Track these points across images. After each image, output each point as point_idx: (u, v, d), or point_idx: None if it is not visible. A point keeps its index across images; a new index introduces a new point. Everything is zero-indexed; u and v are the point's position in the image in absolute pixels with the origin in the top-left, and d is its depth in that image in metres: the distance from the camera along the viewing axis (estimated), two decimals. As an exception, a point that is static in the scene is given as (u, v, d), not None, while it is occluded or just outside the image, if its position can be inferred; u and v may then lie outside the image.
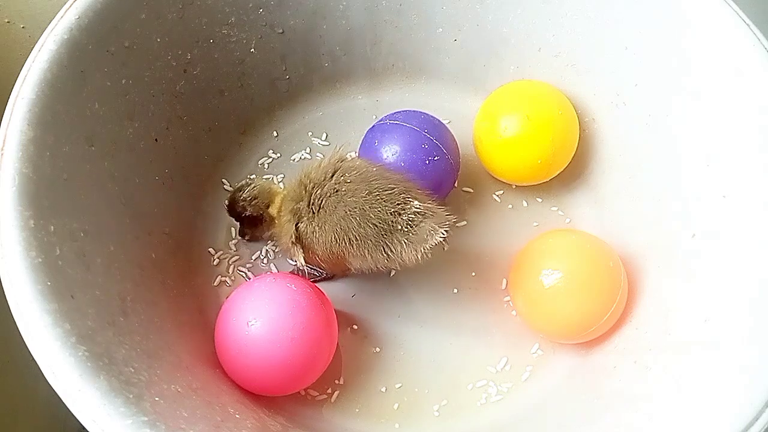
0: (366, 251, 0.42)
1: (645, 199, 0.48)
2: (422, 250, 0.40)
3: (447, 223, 0.40)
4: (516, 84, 0.53)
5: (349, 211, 0.41)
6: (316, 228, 0.42)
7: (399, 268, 0.45)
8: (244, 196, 0.45)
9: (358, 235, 0.41)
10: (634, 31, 0.47)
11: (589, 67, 0.51)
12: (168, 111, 0.48)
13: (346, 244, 0.41)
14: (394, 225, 0.40)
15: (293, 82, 0.55)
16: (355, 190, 0.41)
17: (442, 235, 0.40)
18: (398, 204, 0.41)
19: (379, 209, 0.40)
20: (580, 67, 0.52)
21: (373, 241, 0.41)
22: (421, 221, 0.40)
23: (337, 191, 0.41)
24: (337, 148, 0.44)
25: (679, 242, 0.44)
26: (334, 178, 0.42)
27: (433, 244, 0.40)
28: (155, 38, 0.46)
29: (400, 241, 0.41)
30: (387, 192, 0.41)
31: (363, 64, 0.56)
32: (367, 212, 0.41)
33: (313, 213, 0.42)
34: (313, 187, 0.42)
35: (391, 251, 0.41)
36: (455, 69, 0.56)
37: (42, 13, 0.52)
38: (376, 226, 0.41)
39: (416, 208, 0.40)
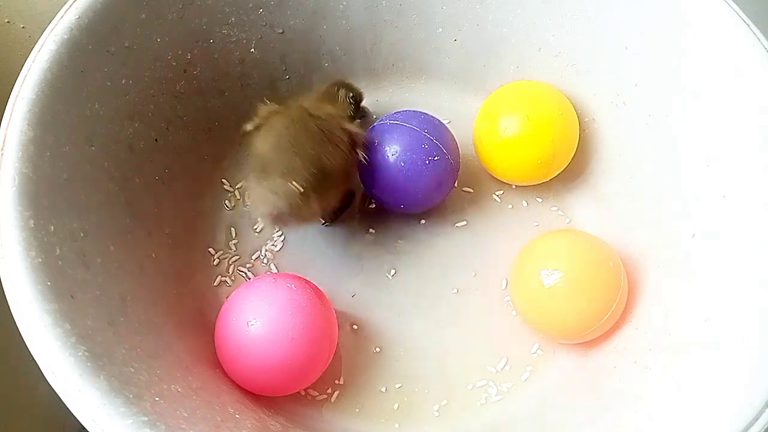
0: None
1: (645, 199, 0.48)
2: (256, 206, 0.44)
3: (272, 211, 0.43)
4: (516, 84, 0.53)
5: (288, 130, 0.44)
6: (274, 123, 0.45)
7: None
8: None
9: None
10: (634, 31, 0.47)
11: (589, 67, 0.51)
12: (168, 111, 0.48)
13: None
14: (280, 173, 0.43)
15: (293, 82, 0.55)
16: (305, 131, 0.44)
17: (269, 210, 0.43)
18: (295, 168, 0.43)
19: (294, 151, 0.43)
20: (580, 67, 0.52)
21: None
22: (276, 189, 0.43)
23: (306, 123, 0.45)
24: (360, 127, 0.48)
25: (679, 242, 0.44)
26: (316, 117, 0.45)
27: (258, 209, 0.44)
28: (155, 38, 0.46)
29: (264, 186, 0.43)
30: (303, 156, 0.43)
31: (363, 64, 0.56)
32: (290, 147, 0.43)
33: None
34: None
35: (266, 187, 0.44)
36: (455, 69, 0.56)
37: (42, 13, 0.52)
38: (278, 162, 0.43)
39: (296, 187, 0.42)
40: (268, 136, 0.45)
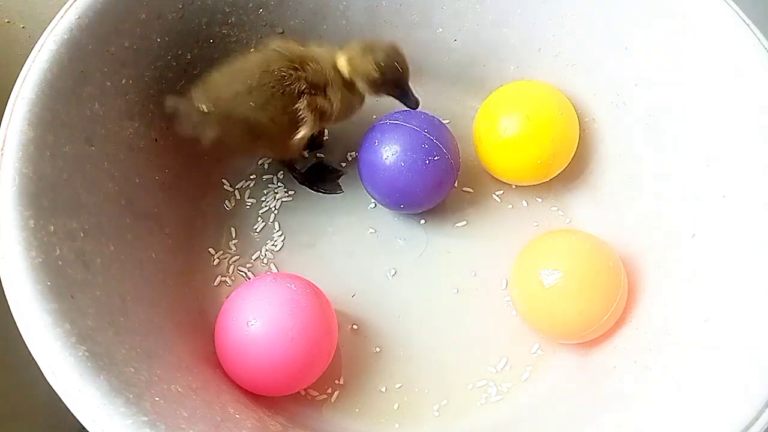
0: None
1: (645, 199, 0.48)
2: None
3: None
4: (516, 84, 0.53)
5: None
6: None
7: None
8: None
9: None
10: (634, 31, 0.47)
11: (589, 67, 0.51)
12: (168, 111, 0.48)
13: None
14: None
15: (293, 82, 0.55)
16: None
17: (176, 105, 0.44)
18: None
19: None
20: (580, 67, 0.52)
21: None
22: (196, 96, 0.44)
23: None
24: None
25: (679, 242, 0.44)
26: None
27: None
28: (155, 38, 0.46)
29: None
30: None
31: (363, 64, 0.56)
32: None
33: None
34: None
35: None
36: (455, 69, 0.56)
37: (42, 13, 0.52)
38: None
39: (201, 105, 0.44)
40: (238, 61, 0.45)
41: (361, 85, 0.47)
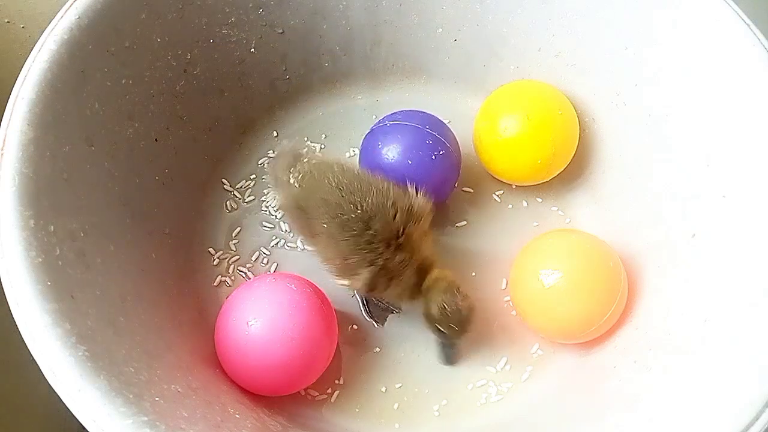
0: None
1: (645, 199, 0.48)
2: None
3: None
4: (516, 84, 0.53)
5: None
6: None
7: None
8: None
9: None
10: (634, 31, 0.47)
11: (589, 67, 0.51)
12: (168, 111, 0.48)
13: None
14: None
15: (293, 82, 0.55)
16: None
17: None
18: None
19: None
20: (580, 67, 0.52)
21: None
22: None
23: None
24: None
25: (679, 242, 0.44)
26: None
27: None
28: (155, 38, 0.46)
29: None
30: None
31: (363, 64, 0.56)
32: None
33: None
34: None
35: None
36: (455, 69, 0.56)
37: (42, 13, 0.52)
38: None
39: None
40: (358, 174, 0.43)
41: (416, 300, 0.44)
